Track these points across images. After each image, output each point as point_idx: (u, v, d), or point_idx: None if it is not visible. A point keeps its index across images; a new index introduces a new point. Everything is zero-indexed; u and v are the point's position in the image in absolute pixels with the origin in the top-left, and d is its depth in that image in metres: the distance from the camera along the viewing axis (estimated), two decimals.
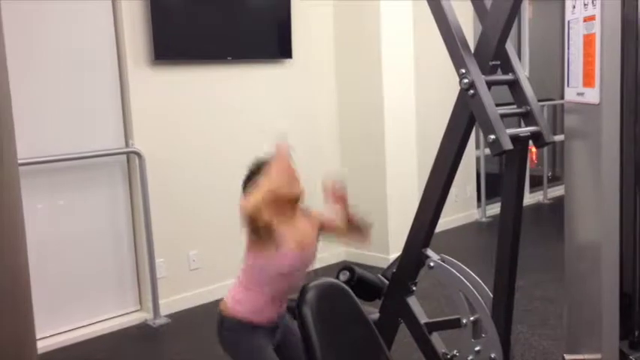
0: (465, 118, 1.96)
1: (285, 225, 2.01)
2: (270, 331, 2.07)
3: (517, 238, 1.99)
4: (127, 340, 3.68)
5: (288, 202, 2.04)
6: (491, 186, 6.14)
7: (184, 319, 3.92)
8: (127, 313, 3.92)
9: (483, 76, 1.88)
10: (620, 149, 1.36)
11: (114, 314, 3.85)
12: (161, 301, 3.91)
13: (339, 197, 2.16)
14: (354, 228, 2.22)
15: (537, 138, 1.94)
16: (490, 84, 1.91)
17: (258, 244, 2.01)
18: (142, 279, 3.97)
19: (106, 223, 3.83)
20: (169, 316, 3.94)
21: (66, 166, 3.62)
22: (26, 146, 3.30)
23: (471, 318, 2.03)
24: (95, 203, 3.77)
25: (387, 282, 2.24)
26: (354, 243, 2.30)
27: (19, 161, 1.91)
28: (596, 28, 1.36)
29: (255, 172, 2.12)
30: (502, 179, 2.00)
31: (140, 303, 3.99)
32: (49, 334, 3.56)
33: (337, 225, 2.21)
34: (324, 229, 2.19)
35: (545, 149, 6.64)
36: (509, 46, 1.98)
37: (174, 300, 4.02)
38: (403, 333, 2.20)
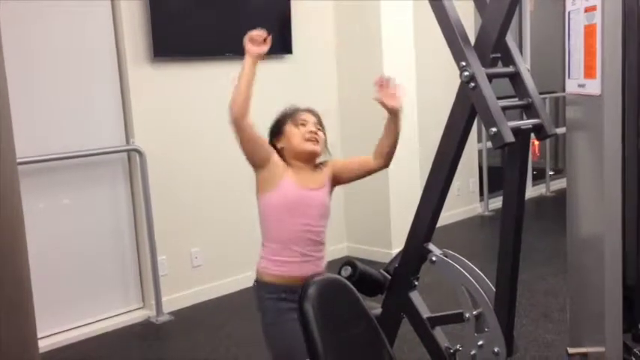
0: (466, 111, 1.95)
1: (292, 169, 2.17)
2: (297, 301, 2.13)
3: (519, 231, 1.98)
4: (130, 338, 3.68)
5: (303, 159, 2.18)
6: (494, 179, 6.13)
7: (187, 316, 3.93)
8: (130, 311, 3.92)
9: (484, 68, 1.87)
10: (622, 140, 1.34)
11: (117, 312, 3.86)
12: (164, 299, 3.91)
13: (392, 97, 2.30)
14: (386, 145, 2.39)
15: (539, 130, 1.92)
16: (491, 77, 1.89)
17: (262, 180, 2.14)
18: (144, 277, 3.97)
19: (107, 221, 3.82)
20: (172, 313, 3.94)
21: (67, 164, 3.62)
22: (27, 145, 3.31)
23: (474, 312, 2.02)
24: (96, 201, 3.77)
25: (389, 277, 2.22)
26: (376, 169, 2.43)
27: (20, 160, 1.90)
28: (597, 18, 1.34)
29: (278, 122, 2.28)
30: (504, 172, 1.99)
31: (143, 300, 4.00)
32: (53, 333, 3.57)
33: (358, 161, 2.37)
34: (341, 173, 2.31)
35: (547, 142, 6.63)
36: (510, 39, 1.96)
37: (177, 297, 4.03)
38: (406, 328, 2.19)
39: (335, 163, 2.33)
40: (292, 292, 2.08)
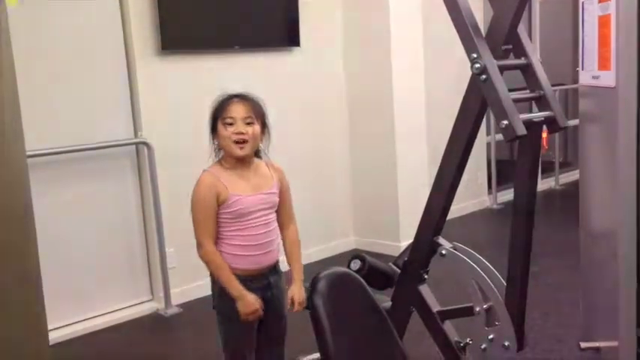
0: (477, 103, 1.93)
1: (236, 176, 2.20)
2: (259, 288, 2.23)
3: (531, 224, 1.96)
4: (139, 330, 3.69)
5: (235, 159, 2.19)
6: (503, 173, 6.11)
7: (196, 308, 3.93)
8: (139, 303, 3.93)
9: (495, 60, 1.85)
10: (637, 133, 1.33)
11: (126, 304, 3.87)
12: (172, 291, 3.92)
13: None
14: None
15: (551, 123, 1.90)
16: (502, 69, 1.87)
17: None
18: (153, 269, 3.98)
19: (116, 213, 3.83)
20: (181, 305, 3.94)
21: (75, 157, 3.62)
22: (36, 138, 3.30)
23: (484, 306, 2.01)
24: (105, 194, 3.77)
25: (398, 270, 2.22)
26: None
27: (29, 153, 1.91)
28: (611, 9, 1.33)
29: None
30: (514, 165, 1.97)
31: (152, 293, 4.00)
32: (62, 325, 3.58)
33: (286, 206, 2.32)
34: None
35: (556, 135, 6.58)
36: (522, 30, 1.94)
37: (186, 290, 4.03)
38: (415, 321, 2.18)
39: (282, 179, 2.31)
40: (253, 279, 2.22)
